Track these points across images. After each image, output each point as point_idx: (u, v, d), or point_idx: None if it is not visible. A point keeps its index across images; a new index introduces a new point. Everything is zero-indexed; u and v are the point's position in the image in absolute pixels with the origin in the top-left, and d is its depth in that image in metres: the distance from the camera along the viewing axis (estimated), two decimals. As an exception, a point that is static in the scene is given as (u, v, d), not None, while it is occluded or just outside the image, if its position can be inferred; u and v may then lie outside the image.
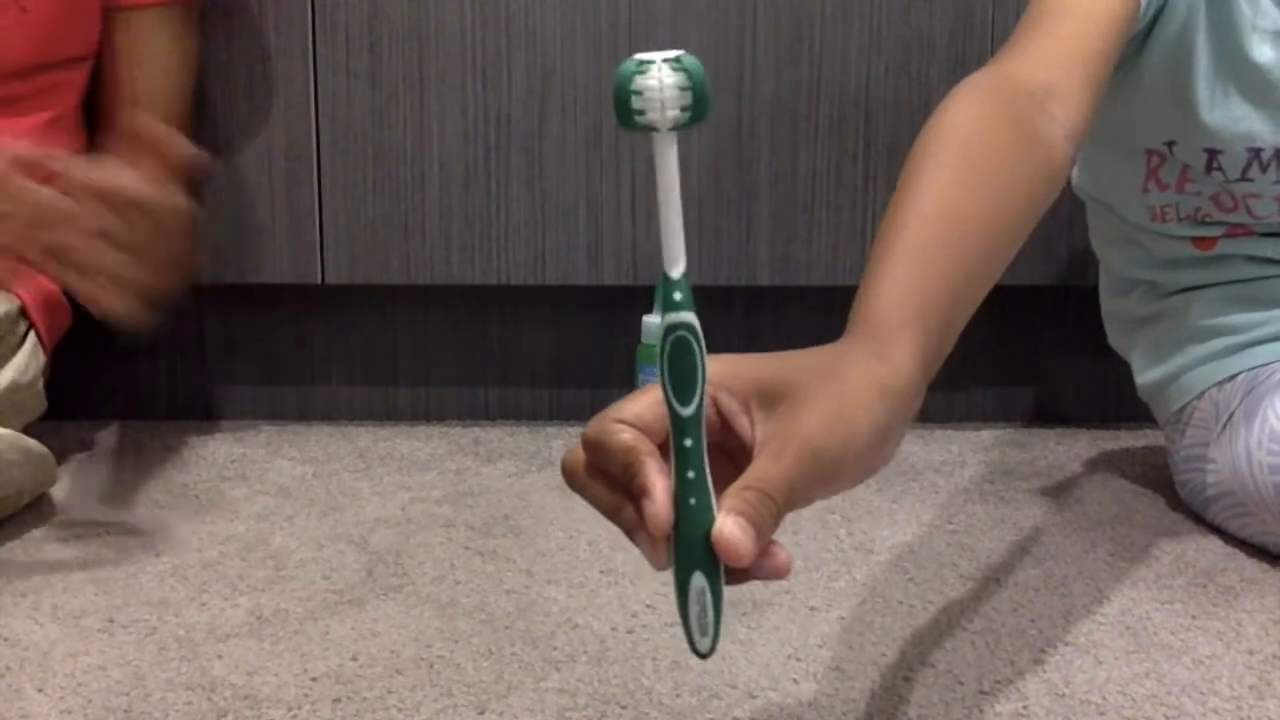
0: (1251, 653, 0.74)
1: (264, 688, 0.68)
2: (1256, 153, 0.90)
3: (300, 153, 1.21)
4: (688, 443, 0.44)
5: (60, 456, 1.11)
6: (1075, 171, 1.08)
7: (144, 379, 1.31)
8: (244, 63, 1.20)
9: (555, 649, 0.73)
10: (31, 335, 1.06)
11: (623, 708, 0.66)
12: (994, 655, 0.73)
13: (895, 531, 0.96)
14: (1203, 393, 0.97)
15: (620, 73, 0.41)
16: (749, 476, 0.45)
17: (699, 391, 0.44)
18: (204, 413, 1.31)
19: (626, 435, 0.45)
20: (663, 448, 0.45)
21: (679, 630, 0.75)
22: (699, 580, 0.45)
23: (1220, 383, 0.95)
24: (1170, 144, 0.94)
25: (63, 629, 0.75)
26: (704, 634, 0.45)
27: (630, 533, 0.46)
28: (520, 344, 1.31)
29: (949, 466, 1.15)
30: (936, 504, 1.03)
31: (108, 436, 1.23)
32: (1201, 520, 0.98)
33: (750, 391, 0.47)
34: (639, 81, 0.41)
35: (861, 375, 0.49)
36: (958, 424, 1.32)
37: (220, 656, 0.72)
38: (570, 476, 0.48)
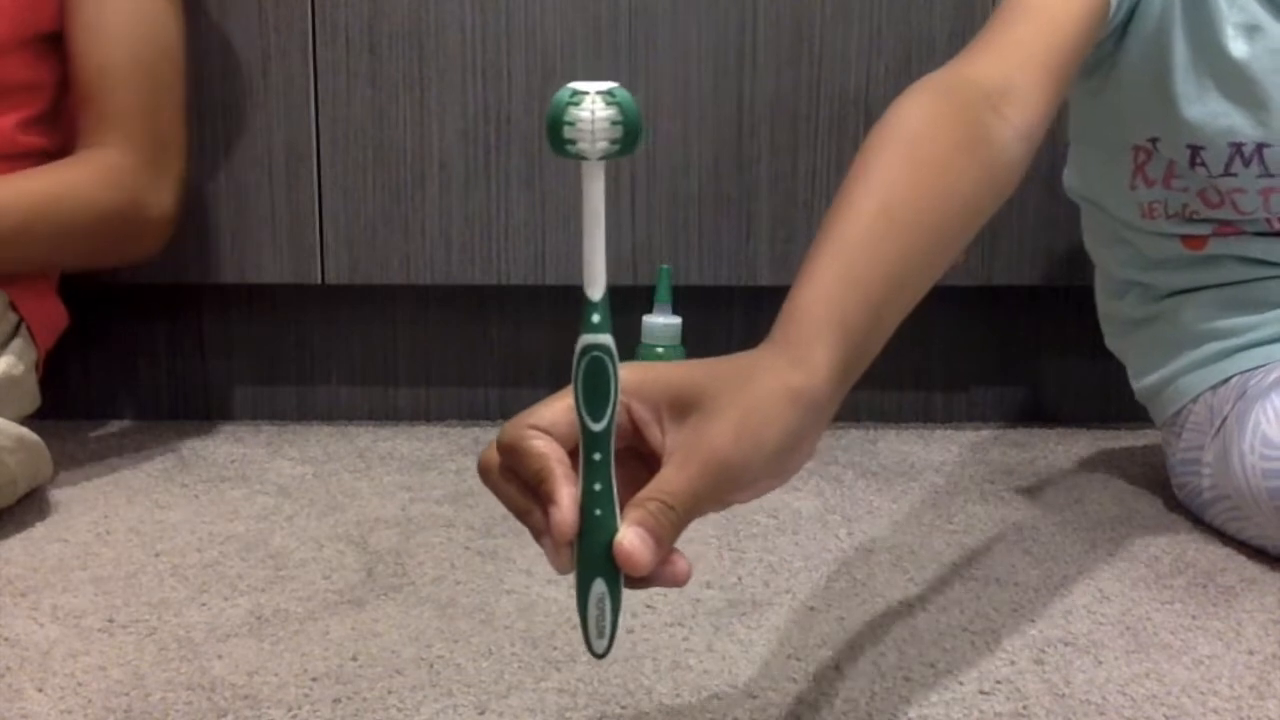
0: (1251, 653, 0.74)
1: (264, 688, 0.68)
2: (1238, 147, 0.90)
3: (300, 153, 1.21)
4: (596, 456, 0.46)
5: (60, 456, 1.11)
6: (1066, 172, 1.08)
7: (144, 379, 1.31)
8: (244, 63, 1.20)
9: (555, 649, 0.73)
10: (23, 329, 1.06)
11: (623, 708, 0.66)
12: (994, 655, 0.73)
13: (895, 531, 0.96)
14: (1197, 397, 0.97)
15: (555, 102, 0.43)
16: (652, 487, 0.47)
17: (610, 409, 0.46)
18: (204, 413, 1.31)
19: (539, 443, 0.47)
20: (573, 454, 0.47)
21: (679, 630, 0.75)
22: (599, 586, 0.47)
23: (1214, 386, 0.95)
24: (1154, 140, 0.94)
25: (63, 629, 0.75)
26: (600, 636, 0.48)
27: (537, 535, 0.48)
28: (520, 344, 1.31)
29: (949, 466, 1.15)
30: (936, 504, 1.03)
31: (108, 436, 1.23)
32: (1201, 521, 0.98)
33: (662, 400, 0.49)
34: (572, 112, 0.42)
35: (773, 383, 0.50)
36: (958, 424, 1.32)
37: (220, 656, 0.72)
38: (484, 475, 0.49)
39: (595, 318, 0.45)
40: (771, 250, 1.23)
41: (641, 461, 0.49)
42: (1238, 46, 0.88)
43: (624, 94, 0.43)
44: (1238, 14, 0.88)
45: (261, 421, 1.30)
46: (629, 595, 0.79)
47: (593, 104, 0.42)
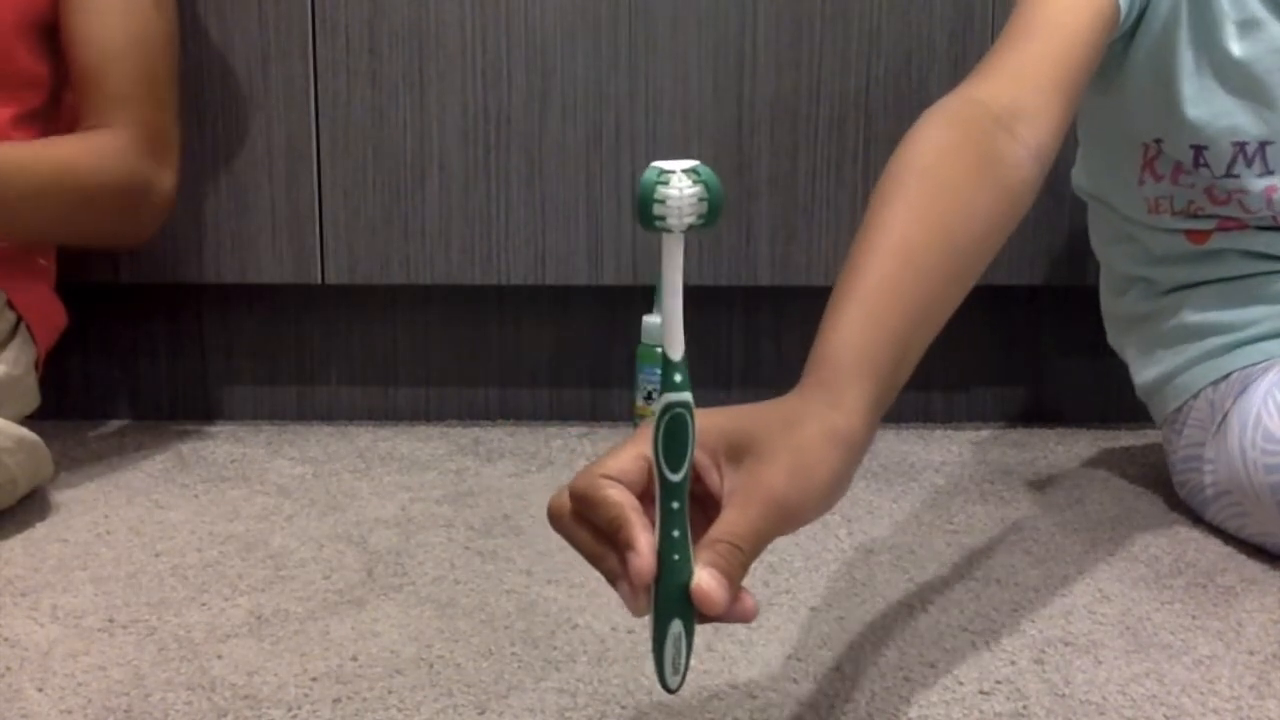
0: (1251, 653, 0.74)
1: (264, 688, 0.68)
2: (1241, 146, 0.90)
3: (300, 153, 1.21)
4: (674, 505, 0.49)
5: (60, 456, 1.11)
6: (1075, 171, 1.08)
7: (144, 379, 1.31)
8: (244, 63, 1.20)
9: (555, 649, 0.73)
10: (22, 327, 1.06)
11: (623, 708, 0.66)
12: (994, 655, 0.73)
13: (895, 531, 0.96)
14: (1198, 393, 0.97)
15: (644, 181, 0.45)
16: (719, 529, 0.49)
17: (687, 461, 0.49)
18: (204, 413, 1.31)
19: (613, 491, 0.49)
20: (642, 498, 0.50)
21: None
22: (676, 626, 0.50)
23: (1215, 382, 0.95)
24: (1159, 141, 0.94)
25: (63, 629, 0.75)
26: (675, 673, 0.51)
27: (612, 579, 0.50)
28: (520, 344, 1.31)
29: (949, 466, 1.15)
30: (936, 504, 1.03)
31: (108, 436, 1.23)
32: (1201, 520, 0.98)
33: (719, 446, 0.51)
34: (661, 191, 0.45)
35: (817, 427, 0.52)
36: (958, 424, 1.32)
37: (220, 656, 0.72)
38: (556, 521, 0.52)
39: (677, 377, 0.48)
40: (771, 250, 1.23)
41: (697, 504, 0.51)
42: (1239, 45, 0.89)
43: (708, 171, 0.46)
44: (1238, 12, 0.89)
45: (261, 421, 1.30)
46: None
47: (680, 183, 0.45)
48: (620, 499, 0.49)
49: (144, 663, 0.71)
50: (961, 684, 0.69)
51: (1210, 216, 0.95)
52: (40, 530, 0.94)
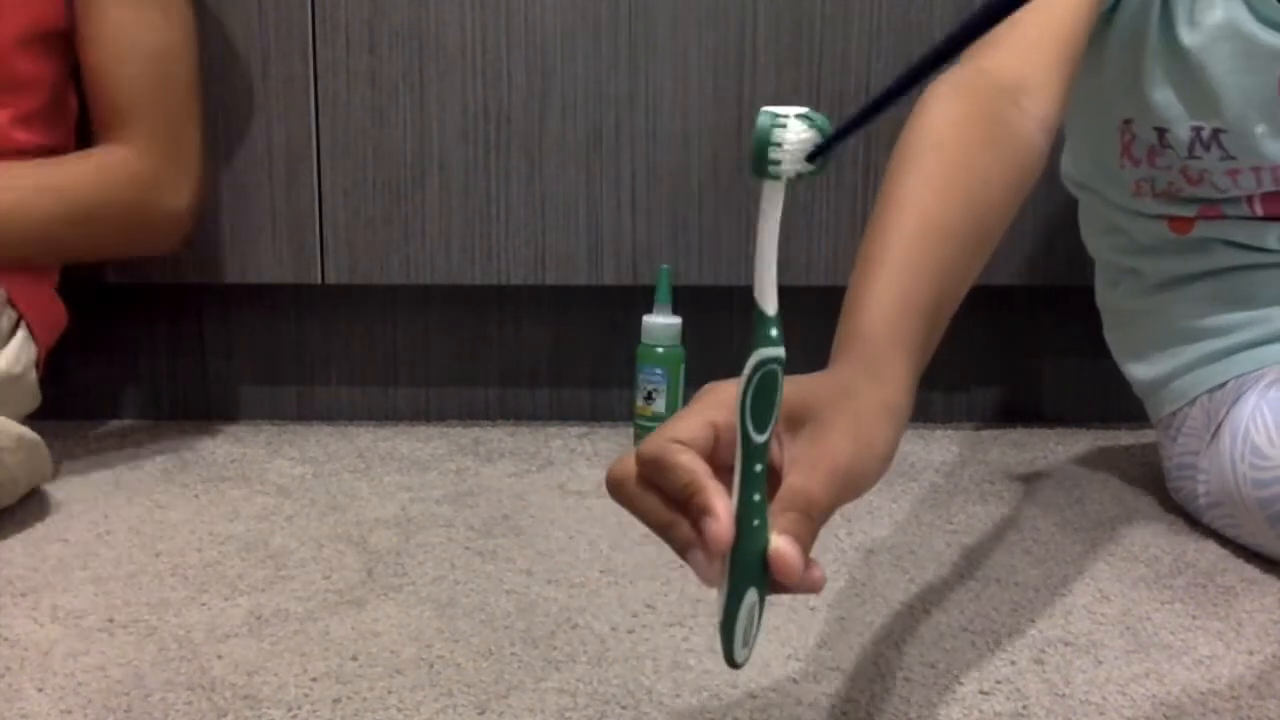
0: (1251, 653, 0.74)
1: (264, 688, 0.68)
2: (1197, 131, 0.91)
3: (300, 153, 1.21)
4: (758, 468, 0.47)
5: (60, 456, 1.11)
6: (1063, 160, 1.09)
7: (144, 379, 1.31)
8: (243, 63, 1.20)
9: (555, 649, 0.73)
10: (23, 326, 1.06)
11: (623, 708, 0.66)
12: (994, 655, 0.73)
13: (895, 531, 0.96)
14: (1194, 400, 0.97)
15: (759, 126, 0.44)
16: (787, 497, 0.48)
17: (773, 421, 0.47)
18: (204, 413, 1.31)
19: (686, 457, 0.47)
20: (714, 466, 0.48)
21: (679, 630, 0.75)
22: (752, 596, 0.48)
23: (1210, 391, 0.95)
24: (1129, 121, 0.95)
25: (63, 629, 0.75)
26: (745, 645, 0.49)
27: (683, 549, 0.48)
28: (520, 344, 1.31)
29: (949, 466, 1.15)
30: (936, 504, 1.03)
31: (108, 436, 1.23)
32: (1199, 522, 0.98)
33: (780, 416, 0.50)
34: (778, 134, 0.44)
35: (870, 397, 0.52)
36: (958, 424, 1.32)
37: (220, 656, 0.72)
38: (619, 488, 0.50)
39: (773, 332, 0.46)
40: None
41: None
42: (1189, 31, 0.89)
43: (821, 117, 0.44)
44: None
45: (261, 421, 1.30)
46: (629, 595, 0.79)
47: (795, 127, 0.44)
48: (693, 464, 0.47)
49: (144, 663, 0.71)
50: (961, 684, 0.69)
51: (1190, 200, 0.95)
52: (40, 530, 0.94)
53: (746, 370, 0.46)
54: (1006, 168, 0.69)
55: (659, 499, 0.48)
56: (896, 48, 1.20)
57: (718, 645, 0.50)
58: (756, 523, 0.47)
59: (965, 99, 0.72)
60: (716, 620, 0.49)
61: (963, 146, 0.68)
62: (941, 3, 1.19)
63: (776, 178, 0.44)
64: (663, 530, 0.49)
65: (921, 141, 0.68)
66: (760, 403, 0.46)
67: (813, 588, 0.49)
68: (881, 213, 0.64)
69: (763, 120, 0.44)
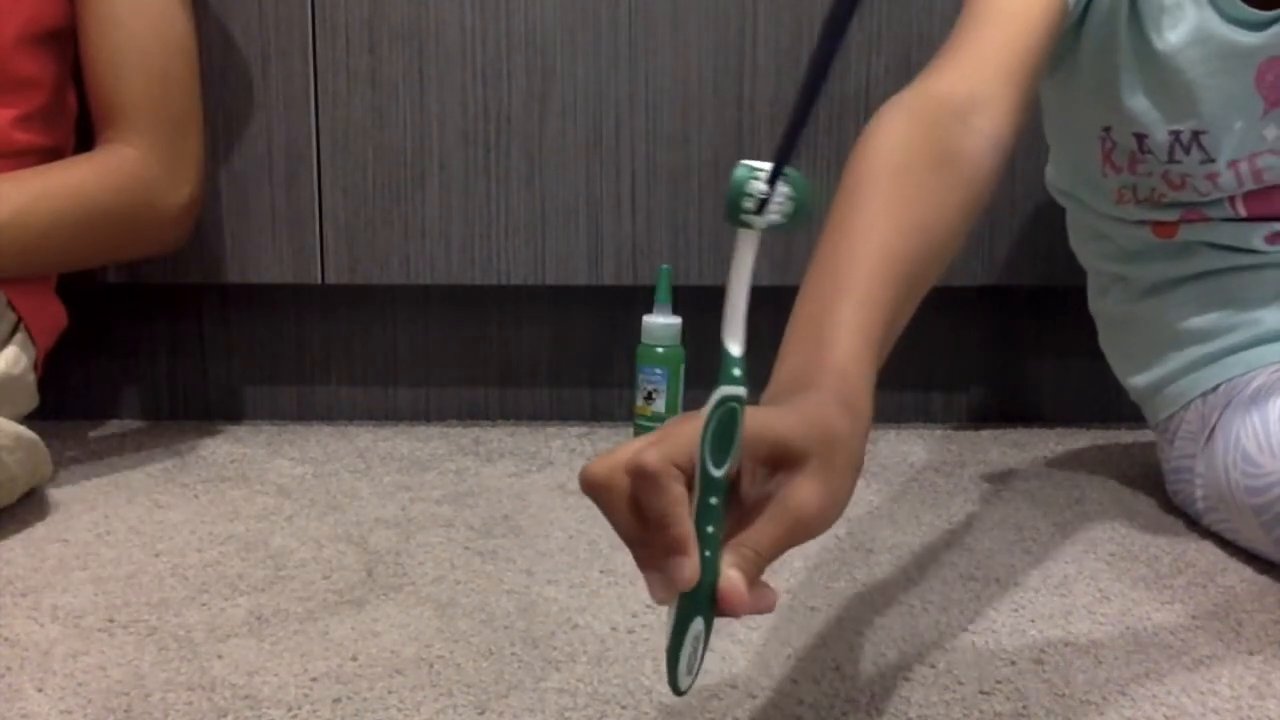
0: (1251, 653, 0.74)
1: (264, 688, 0.68)
2: (1176, 135, 0.91)
3: (300, 153, 1.21)
4: (713, 500, 0.48)
5: (60, 456, 1.11)
6: (1048, 169, 1.09)
7: (144, 379, 1.31)
8: (243, 63, 1.20)
9: (555, 649, 0.73)
10: (22, 327, 1.05)
11: (623, 708, 0.66)
12: (994, 655, 0.73)
13: (895, 531, 0.96)
14: (1188, 404, 0.97)
15: (735, 177, 0.47)
16: (747, 538, 0.49)
17: (732, 457, 0.48)
18: (204, 413, 1.31)
19: (679, 488, 0.48)
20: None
21: (679, 630, 0.75)
22: (698, 625, 0.49)
23: (1204, 394, 0.95)
24: (1108, 129, 0.95)
25: (63, 629, 0.75)
26: (689, 673, 0.50)
27: (643, 566, 0.49)
28: (520, 344, 1.31)
29: (949, 466, 1.15)
30: (936, 504, 1.03)
31: (108, 436, 1.23)
32: (1198, 523, 0.98)
33: (761, 453, 0.51)
34: (752, 185, 0.47)
35: (848, 453, 0.53)
36: (957, 424, 1.32)
37: (220, 656, 0.72)
38: (602, 492, 0.50)
39: (736, 371, 0.48)
40: (771, 250, 1.23)
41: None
42: (1163, 35, 0.89)
43: (796, 175, 0.47)
44: (1168, 1, 0.89)
45: (261, 421, 1.30)
46: (629, 595, 0.79)
47: (768, 180, 0.47)
48: (682, 496, 0.48)
49: (144, 663, 0.71)
50: (961, 684, 0.69)
51: (1173, 205, 0.95)
52: (40, 530, 0.93)
53: (708, 407, 0.48)
54: (961, 193, 0.70)
55: (635, 513, 0.49)
56: (896, 48, 1.20)
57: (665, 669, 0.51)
58: (708, 554, 0.48)
59: (914, 122, 0.72)
60: (665, 645, 0.50)
61: (915, 175, 0.69)
62: (942, 3, 1.19)
63: (749, 226, 0.47)
64: (631, 544, 0.50)
65: (873, 169, 0.69)
66: (720, 440, 0.48)
67: (767, 609, 0.50)
68: (840, 238, 0.66)
69: (739, 172, 0.46)
